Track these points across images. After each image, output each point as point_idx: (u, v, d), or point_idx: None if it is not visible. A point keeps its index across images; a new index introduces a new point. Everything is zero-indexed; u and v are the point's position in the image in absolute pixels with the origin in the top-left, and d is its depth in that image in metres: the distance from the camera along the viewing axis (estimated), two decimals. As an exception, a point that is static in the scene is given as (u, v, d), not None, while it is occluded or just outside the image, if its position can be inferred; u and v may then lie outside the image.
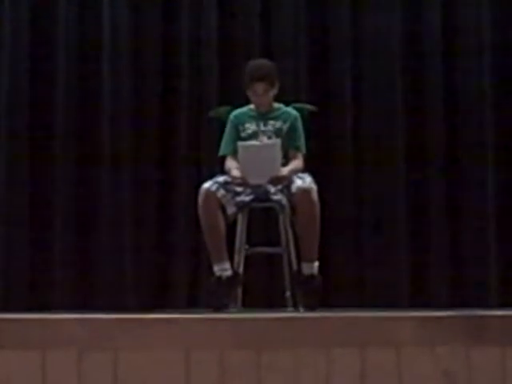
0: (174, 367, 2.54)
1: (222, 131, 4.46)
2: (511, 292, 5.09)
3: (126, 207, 5.27)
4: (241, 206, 4.23)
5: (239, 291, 4.24)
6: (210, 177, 4.29)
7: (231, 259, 4.21)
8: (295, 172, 4.24)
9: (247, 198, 4.25)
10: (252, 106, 4.41)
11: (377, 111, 5.33)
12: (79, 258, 5.20)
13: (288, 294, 4.27)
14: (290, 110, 4.43)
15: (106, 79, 5.33)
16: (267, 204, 4.27)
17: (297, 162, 4.31)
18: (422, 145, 5.32)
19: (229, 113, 4.46)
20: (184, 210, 5.14)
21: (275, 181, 4.18)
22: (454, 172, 5.30)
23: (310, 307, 4.12)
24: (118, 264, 5.21)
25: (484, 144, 5.29)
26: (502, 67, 5.31)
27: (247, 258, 4.27)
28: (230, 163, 4.31)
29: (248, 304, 4.35)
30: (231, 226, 4.25)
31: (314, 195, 4.11)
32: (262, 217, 4.76)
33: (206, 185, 4.16)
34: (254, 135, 4.34)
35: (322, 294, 4.24)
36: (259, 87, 4.27)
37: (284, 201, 4.20)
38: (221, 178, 4.23)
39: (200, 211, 4.15)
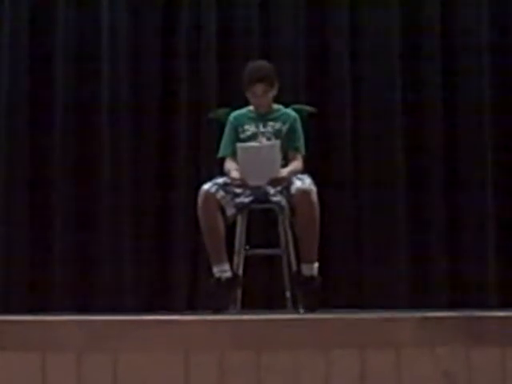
0: (173, 369, 2.54)
1: (222, 132, 4.46)
2: (511, 292, 5.09)
3: (125, 208, 5.26)
4: (240, 208, 4.23)
5: (239, 292, 4.24)
6: (210, 178, 4.29)
7: (231, 261, 4.21)
8: (295, 173, 4.24)
9: (247, 200, 4.25)
10: (251, 108, 4.41)
11: (376, 112, 5.33)
12: (79, 259, 5.20)
13: (288, 295, 4.27)
14: (289, 111, 4.44)
15: (106, 81, 5.33)
16: (267, 205, 4.27)
17: (296, 164, 4.31)
18: (421, 145, 5.32)
19: (228, 114, 4.46)
20: (183, 211, 5.14)
21: (275, 182, 4.18)
22: (454, 172, 5.30)
23: (309, 308, 4.12)
24: (117, 265, 5.21)
25: (483, 144, 5.29)
26: (502, 67, 5.31)
27: (247, 260, 4.27)
28: (230, 165, 4.32)
29: (247, 305, 4.35)
30: (231, 228, 4.25)
31: (314, 196, 4.11)
32: (262, 218, 4.76)
33: (206, 186, 4.16)
34: (253, 136, 4.34)
35: (322, 295, 4.24)
36: (258, 88, 4.28)
37: (283, 202, 4.20)
38: (220, 180, 4.23)
39: (199, 213, 4.15)
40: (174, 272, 5.22)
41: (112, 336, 2.56)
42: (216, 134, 4.71)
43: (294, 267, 4.22)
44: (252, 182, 4.17)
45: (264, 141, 4.31)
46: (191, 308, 5.10)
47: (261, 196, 4.24)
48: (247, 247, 4.30)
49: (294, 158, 4.33)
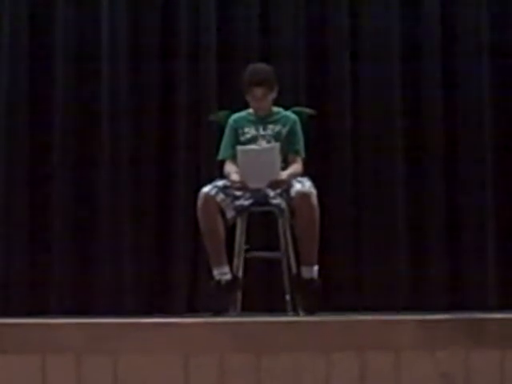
0: (173, 371, 2.54)
1: (221, 135, 4.46)
2: (510, 294, 5.09)
3: (124, 210, 5.26)
4: (240, 210, 4.23)
5: (239, 295, 4.24)
6: (210, 181, 4.29)
7: (230, 263, 4.21)
8: (294, 176, 4.24)
9: (246, 202, 4.25)
10: (251, 110, 4.41)
11: (376, 113, 5.33)
12: (78, 260, 5.20)
13: (287, 297, 4.27)
14: (289, 113, 4.44)
15: (105, 82, 5.33)
16: (266, 208, 4.27)
17: (296, 166, 4.31)
18: (421, 146, 5.32)
19: (228, 117, 4.47)
20: (183, 213, 5.14)
21: (274, 185, 4.18)
22: (454, 173, 5.30)
23: (309, 311, 4.12)
24: (117, 267, 5.21)
25: (483, 144, 5.29)
26: (501, 67, 5.32)
27: (246, 262, 4.27)
28: (230, 167, 4.32)
29: (247, 308, 4.35)
30: (230, 230, 4.25)
31: (314, 199, 4.11)
32: (262, 221, 4.76)
33: (206, 189, 4.16)
34: (253, 139, 4.34)
35: (322, 297, 4.24)
36: (258, 92, 4.28)
37: (283, 205, 4.20)
38: (220, 182, 4.23)
39: (199, 215, 4.15)
40: (174, 274, 5.22)
41: (112, 338, 2.56)
42: (216, 136, 4.71)
43: (294, 270, 4.22)
44: (252, 185, 4.17)
45: (264, 143, 4.31)
46: (191, 310, 5.10)
47: (261, 199, 4.24)
48: (247, 247, 4.30)
49: (293, 161, 4.33)
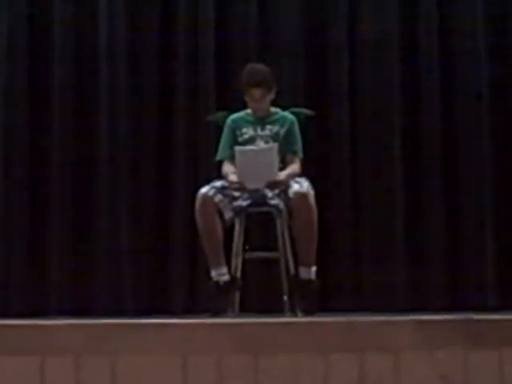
0: (172, 372, 2.54)
1: (220, 135, 4.46)
2: (509, 295, 5.09)
3: (123, 211, 5.26)
4: (238, 211, 4.23)
5: (237, 296, 4.23)
6: (208, 181, 4.29)
7: (229, 264, 4.21)
8: (292, 176, 4.24)
9: (244, 203, 4.25)
10: (249, 111, 4.41)
11: (374, 114, 5.34)
12: (77, 262, 5.19)
13: (285, 298, 4.27)
14: (287, 114, 4.44)
15: (104, 82, 5.33)
16: (264, 208, 4.27)
17: (294, 167, 4.31)
18: (419, 147, 5.33)
19: (226, 117, 4.47)
20: (181, 214, 5.14)
21: (272, 185, 4.18)
22: (452, 173, 5.30)
23: (307, 312, 4.12)
24: (115, 269, 5.20)
25: (482, 144, 5.30)
26: (499, 66, 5.32)
27: (245, 263, 4.27)
28: (228, 168, 4.32)
29: (246, 308, 4.35)
30: (228, 231, 4.25)
31: (312, 200, 4.11)
32: (260, 221, 4.76)
33: (204, 190, 4.16)
34: (251, 140, 4.34)
35: (320, 298, 4.24)
36: (256, 93, 4.28)
37: (281, 205, 4.20)
38: (218, 183, 4.23)
39: (197, 216, 4.15)
40: (173, 275, 5.22)
41: (110, 339, 2.55)
42: (214, 136, 4.71)
43: (292, 270, 4.22)
44: (250, 186, 4.17)
45: (262, 144, 4.31)
46: (189, 311, 5.10)
47: (259, 199, 4.24)
48: (247, 247, 4.30)
49: (291, 162, 4.33)
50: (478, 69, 5.34)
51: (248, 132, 4.37)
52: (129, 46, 5.37)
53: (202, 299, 4.91)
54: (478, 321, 2.61)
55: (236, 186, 4.19)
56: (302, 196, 4.09)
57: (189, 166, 5.27)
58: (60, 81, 5.32)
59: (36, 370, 2.53)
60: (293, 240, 4.21)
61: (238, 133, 4.38)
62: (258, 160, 4.13)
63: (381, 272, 5.18)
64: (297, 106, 4.66)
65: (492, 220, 5.26)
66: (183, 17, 5.38)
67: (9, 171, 5.28)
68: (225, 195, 4.19)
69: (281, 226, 4.24)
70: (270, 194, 4.24)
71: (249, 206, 4.26)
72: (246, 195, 4.24)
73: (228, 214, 4.20)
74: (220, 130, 4.47)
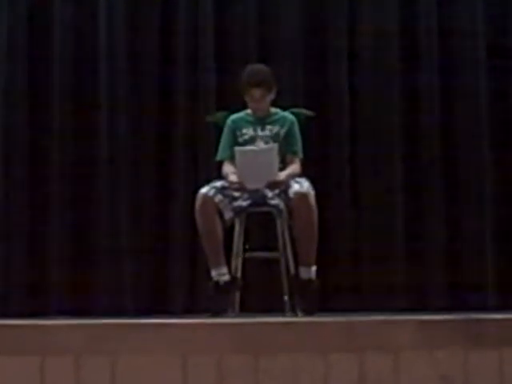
0: (172, 372, 2.54)
1: (220, 136, 4.46)
2: (509, 295, 5.09)
3: (123, 212, 5.26)
4: (238, 211, 4.23)
5: (237, 296, 4.23)
6: (208, 182, 4.29)
7: (229, 264, 4.21)
8: (292, 176, 4.24)
9: (244, 203, 4.25)
10: (249, 111, 4.41)
11: (374, 115, 5.34)
12: (77, 262, 5.19)
13: (286, 298, 4.27)
14: (287, 114, 4.44)
15: (103, 83, 5.33)
16: (265, 209, 4.27)
17: (294, 167, 4.31)
18: (419, 147, 5.33)
19: (226, 118, 4.47)
20: (182, 214, 5.14)
21: (272, 185, 4.18)
22: (452, 174, 5.30)
23: (307, 311, 4.12)
24: (115, 268, 5.21)
25: (482, 144, 5.30)
26: (498, 65, 5.33)
27: (245, 263, 4.27)
28: (228, 168, 4.32)
29: (246, 308, 4.34)
30: (229, 231, 4.25)
31: (312, 200, 4.11)
32: (260, 221, 4.76)
33: (204, 190, 4.16)
34: (251, 140, 4.34)
35: (320, 298, 4.24)
36: (256, 93, 4.27)
37: (281, 205, 4.20)
38: (218, 183, 4.23)
39: (197, 216, 4.15)
40: (173, 275, 5.22)
41: (110, 339, 2.56)
42: (214, 137, 4.71)
43: (292, 270, 4.22)
44: (250, 186, 4.17)
45: (262, 144, 4.31)
46: (189, 311, 5.10)
47: (259, 199, 4.24)
48: (247, 247, 4.30)
49: (291, 162, 4.33)
50: (477, 69, 5.34)
51: (248, 132, 4.37)
52: (129, 46, 5.37)
53: (202, 299, 4.91)
54: (477, 321, 2.61)
55: (236, 186, 4.19)
56: (302, 196, 4.09)
57: (189, 166, 5.28)
58: (60, 81, 5.32)
59: (36, 370, 2.53)
60: (293, 240, 4.21)
61: (238, 133, 4.38)
62: (258, 160, 4.13)
63: (381, 272, 5.18)
64: (296, 106, 4.66)
65: (492, 220, 5.26)
66: (183, 17, 5.38)
67: (9, 171, 5.27)
68: (225, 195, 4.19)
69: (281, 226, 4.24)
70: (270, 194, 4.24)
71: (249, 206, 4.26)
72: (246, 195, 4.24)
73: (228, 214, 4.20)
74: (220, 130, 4.47)
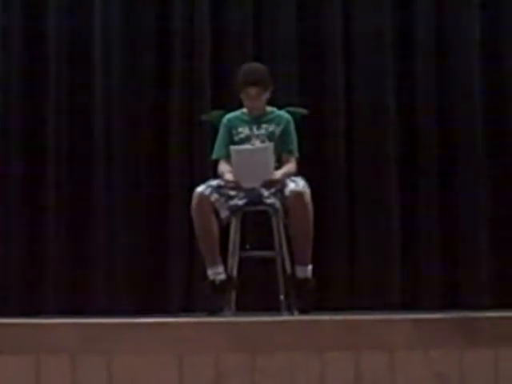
0: (168, 371, 2.54)
1: (215, 135, 4.46)
2: (504, 293, 5.10)
3: (118, 211, 5.25)
4: (234, 210, 4.24)
5: (233, 295, 4.23)
6: (203, 181, 4.29)
7: (225, 263, 4.21)
8: (288, 175, 4.24)
9: (240, 202, 4.25)
10: (245, 110, 4.41)
11: (370, 113, 5.34)
12: (73, 261, 5.19)
13: (282, 297, 4.27)
14: (282, 113, 4.44)
15: (98, 81, 5.32)
16: (260, 207, 4.27)
17: (290, 166, 4.32)
18: (416, 145, 5.33)
19: (221, 116, 4.47)
20: (177, 213, 5.14)
21: (268, 184, 4.19)
22: (448, 172, 5.31)
23: (303, 310, 4.12)
24: (111, 268, 5.20)
25: (478, 143, 5.30)
26: (493, 65, 5.33)
27: (241, 262, 4.27)
28: (223, 167, 4.32)
29: (242, 307, 4.35)
30: (225, 230, 4.25)
31: (308, 198, 4.12)
32: (256, 220, 4.76)
33: (200, 189, 4.16)
34: (247, 139, 4.35)
35: (316, 296, 4.25)
36: (252, 91, 4.28)
37: (277, 204, 4.20)
38: (214, 182, 4.23)
39: (193, 215, 4.15)
40: (169, 274, 5.21)
41: (106, 338, 2.56)
42: (209, 136, 4.71)
43: (289, 269, 4.22)
44: (246, 184, 4.17)
45: (258, 143, 4.31)
46: (186, 310, 5.10)
47: (255, 198, 4.24)
48: (247, 246, 4.31)
49: (287, 161, 4.33)
50: (473, 68, 5.34)
51: (244, 131, 4.37)
52: (124, 45, 5.36)
53: (198, 298, 4.91)
54: (473, 319, 2.62)
55: (232, 185, 4.19)
56: (297, 195, 4.10)
57: (184, 165, 5.27)
58: (56, 81, 5.31)
59: (31, 369, 2.53)
60: (289, 239, 4.22)
61: (233, 132, 4.38)
62: (254, 159, 4.13)
63: (376, 270, 5.18)
64: (292, 105, 4.66)
65: (488, 219, 5.26)
66: (179, 16, 5.37)
67: (7, 171, 5.27)
68: (221, 194, 4.19)
69: (277, 224, 4.24)
70: (266, 192, 4.24)
71: (245, 204, 4.26)
72: (242, 194, 4.25)
73: (224, 213, 4.20)
74: (215, 129, 4.47)
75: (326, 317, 2.78)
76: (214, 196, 4.15)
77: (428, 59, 5.35)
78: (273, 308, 4.32)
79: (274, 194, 4.22)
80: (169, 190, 5.27)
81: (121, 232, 5.24)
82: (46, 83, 5.32)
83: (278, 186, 4.19)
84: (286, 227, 4.22)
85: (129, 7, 5.39)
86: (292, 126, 4.40)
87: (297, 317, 3.89)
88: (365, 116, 5.34)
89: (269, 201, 4.23)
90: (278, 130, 4.36)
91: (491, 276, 5.19)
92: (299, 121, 4.48)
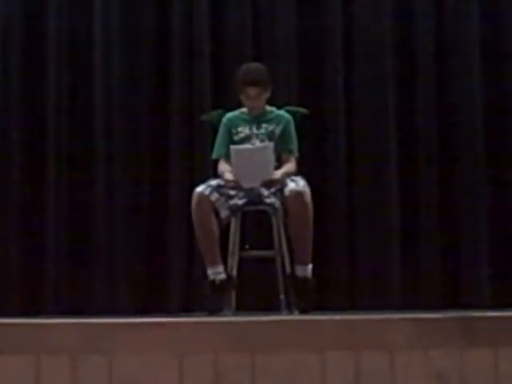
0: (168, 371, 2.54)
1: (215, 134, 4.46)
2: (504, 292, 5.10)
3: (118, 211, 5.26)
4: (234, 210, 4.23)
5: (233, 294, 4.23)
6: (203, 180, 4.29)
7: (225, 262, 4.21)
8: (288, 175, 4.24)
9: (240, 202, 4.25)
10: (245, 110, 4.41)
11: (370, 113, 5.34)
12: (73, 261, 5.19)
13: (282, 296, 4.27)
14: (282, 113, 4.44)
15: (98, 82, 5.32)
16: (260, 207, 4.27)
17: (290, 165, 4.32)
18: (415, 145, 5.33)
19: (221, 116, 4.47)
20: (177, 213, 5.14)
21: (268, 184, 4.18)
22: (448, 173, 5.31)
23: (303, 310, 4.12)
24: (111, 267, 5.21)
25: (476, 144, 5.30)
26: (493, 65, 5.33)
27: (241, 261, 4.27)
28: (223, 166, 4.32)
29: (242, 307, 4.35)
30: (225, 230, 4.25)
31: (307, 198, 4.12)
32: (256, 220, 4.76)
33: (199, 188, 4.16)
34: (246, 138, 4.34)
35: (316, 296, 4.25)
36: (252, 91, 4.28)
37: (277, 204, 4.20)
38: (214, 182, 4.23)
39: (193, 215, 4.15)
40: (169, 274, 5.22)
41: (106, 338, 2.56)
42: (209, 135, 4.71)
43: (288, 269, 4.22)
44: (246, 184, 4.17)
45: (257, 143, 4.31)
46: (186, 310, 5.10)
47: (254, 198, 4.24)
48: (247, 246, 4.31)
49: (287, 160, 4.33)
50: (473, 68, 5.34)
51: (244, 131, 4.37)
52: (124, 45, 5.36)
53: (198, 298, 4.91)
54: (473, 319, 2.62)
55: (232, 184, 4.19)
56: (297, 194, 4.09)
57: (184, 164, 5.27)
58: (55, 79, 5.31)
59: (31, 369, 2.53)
60: (289, 238, 4.21)
61: (233, 131, 4.38)
62: (254, 159, 4.13)
63: (377, 270, 5.18)
64: (292, 104, 4.66)
65: (488, 219, 5.26)
66: (178, 16, 5.38)
67: (7, 171, 5.27)
68: (221, 194, 4.19)
69: (277, 224, 4.24)
70: (265, 192, 4.24)
71: (245, 204, 4.26)
72: (241, 194, 4.24)
73: (224, 213, 4.20)
74: (215, 129, 4.47)
75: (325, 316, 2.77)
76: (214, 196, 4.15)
77: (428, 59, 5.36)
78: (273, 308, 4.32)
79: (273, 194, 4.22)
80: (169, 190, 5.27)
81: (121, 232, 5.24)
82: (46, 83, 5.33)
83: (277, 185, 4.19)
84: (285, 227, 4.21)
85: (128, 7, 5.40)
86: (292, 126, 4.40)
87: (297, 316, 3.88)
88: (365, 116, 5.34)
89: (269, 200, 4.23)
90: (277, 130, 4.36)
91: (491, 276, 5.20)
92: (299, 120, 4.48)
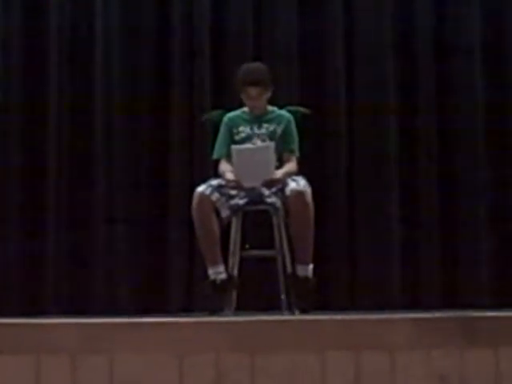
0: (168, 371, 2.54)
1: (216, 134, 4.46)
2: (504, 293, 5.10)
3: (119, 211, 5.26)
4: (235, 209, 4.23)
5: (234, 294, 4.23)
6: (204, 180, 4.29)
7: (226, 262, 4.21)
8: (289, 175, 4.24)
9: (241, 201, 4.25)
10: (246, 109, 4.41)
11: (371, 113, 5.34)
12: (73, 261, 5.19)
13: (283, 296, 4.27)
14: (283, 112, 4.44)
15: (98, 81, 5.32)
16: (261, 207, 4.27)
17: (291, 165, 4.32)
18: (416, 145, 5.33)
19: (222, 116, 4.46)
20: (178, 213, 5.14)
21: (269, 184, 4.18)
22: (449, 173, 5.31)
23: (304, 310, 4.12)
24: (112, 267, 5.21)
25: (477, 144, 5.30)
26: (494, 66, 5.34)
27: (242, 261, 4.27)
28: (224, 166, 4.32)
29: (243, 307, 4.35)
30: (225, 230, 4.25)
31: (308, 197, 4.12)
32: (257, 220, 4.76)
33: (200, 188, 4.16)
34: (247, 138, 4.34)
35: (317, 296, 4.25)
36: (253, 91, 4.27)
37: (278, 203, 4.20)
38: (215, 182, 4.23)
39: (194, 215, 4.15)
40: (169, 274, 5.22)
41: (107, 338, 2.56)
42: (210, 135, 4.71)
43: (289, 268, 4.22)
44: (247, 184, 4.17)
45: (258, 142, 4.31)
46: (186, 310, 5.10)
47: (255, 197, 4.24)
48: (247, 246, 4.30)
49: (288, 160, 4.33)
50: (474, 68, 5.34)
51: (245, 130, 4.37)
52: (124, 45, 5.36)
53: (198, 298, 4.91)
54: (473, 319, 2.62)
55: (233, 184, 4.19)
56: (298, 194, 4.09)
57: (185, 164, 5.27)
58: (56, 80, 5.32)
59: (31, 369, 2.53)
60: (290, 238, 4.21)
61: (234, 131, 4.38)
62: (255, 158, 4.13)
63: (377, 270, 5.18)
64: (293, 104, 4.66)
65: (488, 219, 5.26)
66: (179, 16, 5.38)
67: (7, 171, 5.27)
68: (222, 194, 4.19)
69: (277, 224, 4.24)
70: (266, 192, 4.24)
71: (246, 204, 4.26)
72: (242, 193, 4.24)
73: (225, 213, 4.20)
74: (216, 128, 4.47)
75: (326, 316, 2.78)
76: (215, 195, 4.15)
77: (428, 59, 5.35)
78: (273, 307, 4.32)
79: (274, 194, 4.22)
80: (169, 190, 5.27)
81: (122, 231, 5.24)
82: (46, 83, 5.32)
83: (278, 185, 4.19)
84: (286, 226, 4.21)
85: (128, 7, 5.40)
86: (293, 126, 4.40)
87: (297, 316, 3.88)
88: (365, 116, 5.34)
89: (269, 200, 4.23)
90: (279, 130, 4.36)
91: (491, 276, 5.20)
92: (300, 120, 4.48)
